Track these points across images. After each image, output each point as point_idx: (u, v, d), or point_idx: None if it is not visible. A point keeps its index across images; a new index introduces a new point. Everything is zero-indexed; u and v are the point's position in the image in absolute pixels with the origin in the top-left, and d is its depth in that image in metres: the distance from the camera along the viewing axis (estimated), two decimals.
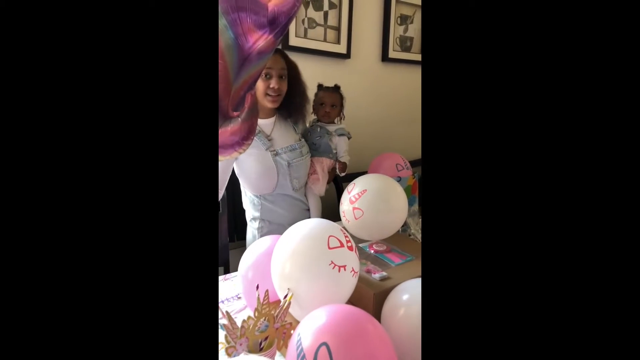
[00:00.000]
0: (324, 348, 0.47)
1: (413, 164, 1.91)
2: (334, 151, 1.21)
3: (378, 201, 0.87)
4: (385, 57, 1.74)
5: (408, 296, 0.63)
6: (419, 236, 1.10)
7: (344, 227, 0.91)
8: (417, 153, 1.95)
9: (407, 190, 1.28)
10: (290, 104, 1.04)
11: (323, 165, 1.19)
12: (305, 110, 1.11)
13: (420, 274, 0.77)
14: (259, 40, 0.60)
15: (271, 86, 0.96)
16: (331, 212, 1.22)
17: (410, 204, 1.29)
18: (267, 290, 0.60)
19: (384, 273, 0.76)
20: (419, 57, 1.85)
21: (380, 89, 1.76)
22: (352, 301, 0.75)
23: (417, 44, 1.84)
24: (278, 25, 0.59)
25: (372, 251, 0.89)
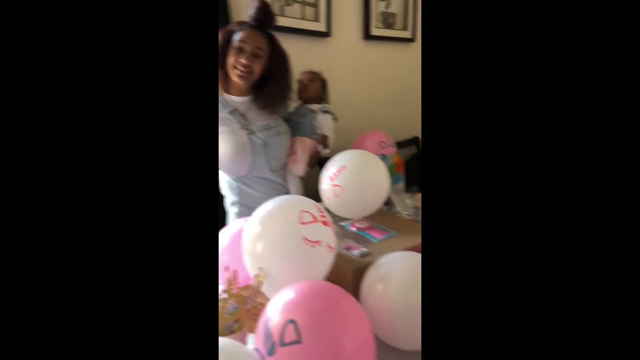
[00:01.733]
0: (291, 325, 0.44)
1: (400, 145, 1.88)
2: (318, 132, 1.17)
3: (357, 177, 0.84)
4: (367, 35, 1.68)
5: (386, 271, 0.60)
6: (405, 213, 1.07)
7: (325, 208, 0.87)
8: (403, 134, 1.90)
9: (392, 168, 1.24)
10: (266, 92, 1.00)
11: (304, 145, 1.14)
12: (283, 105, 1.08)
13: (403, 249, 0.74)
14: None
15: (240, 60, 0.92)
16: (314, 195, 1.18)
17: (396, 181, 1.25)
18: (235, 271, 0.56)
19: (364, 249, 0.73)
20: (402, 34, 1.79)
21: (363, 67, 1.71)
22: (331, 279, 0.71)
23: (400, 20, 1.79)
24: None
25: (354, 229, 0.85)
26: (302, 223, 0.60)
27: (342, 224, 0.89)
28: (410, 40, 1.83)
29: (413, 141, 1.95)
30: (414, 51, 1.87)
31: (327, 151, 1.18)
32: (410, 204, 1.11)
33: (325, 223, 0.63)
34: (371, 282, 0.60)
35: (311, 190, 1.21)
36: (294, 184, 1.14)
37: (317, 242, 0.59)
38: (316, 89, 1.21)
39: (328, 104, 1.25)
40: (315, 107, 1.19)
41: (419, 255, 0.62)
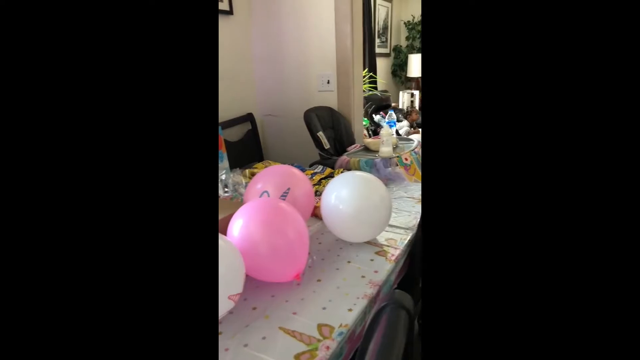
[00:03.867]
0: None
1: (233, 122, 1.86)
2: None
3: None
4: None
5: None
6: (223, 191, 1.06)
7: None
8: (236, 111, 1.88)
9: None
10: None
11: None
12: None
13: None
14: None
15: None
16: None
17: (219, 160, 1.23)
18: None
19: None
20: (219, 6, 1.72)
21: None
22: None
23: None
24: None
25: None
26: None
27: None
28: (229, 12, 1.77)
29: (247, 117, 1.95)
30: (234, 25, 1.83)
31: None
32: (231, 181, 1.10)
33: None
34: None
35: None
36: None
37: None
38: None
39: None
40: None
41: None
